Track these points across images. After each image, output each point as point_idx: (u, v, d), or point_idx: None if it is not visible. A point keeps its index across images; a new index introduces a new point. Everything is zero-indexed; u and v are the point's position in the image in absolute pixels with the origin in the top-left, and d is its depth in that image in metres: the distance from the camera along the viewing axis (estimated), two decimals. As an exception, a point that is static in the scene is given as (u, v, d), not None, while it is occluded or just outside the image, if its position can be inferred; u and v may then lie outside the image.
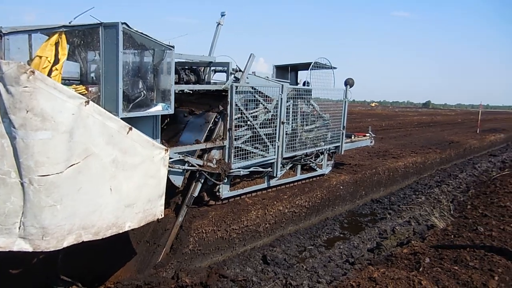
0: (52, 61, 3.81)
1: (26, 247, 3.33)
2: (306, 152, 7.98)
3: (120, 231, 4.02)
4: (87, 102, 3.61)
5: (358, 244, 7.19)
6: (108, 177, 3.79)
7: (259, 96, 6.63)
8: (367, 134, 10.81)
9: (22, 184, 3.27)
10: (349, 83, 9.09)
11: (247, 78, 6.48)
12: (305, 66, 8.49)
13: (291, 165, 7.87)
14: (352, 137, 10.28)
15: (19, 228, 3.30)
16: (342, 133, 8.96)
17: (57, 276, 4.63)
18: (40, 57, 3.75)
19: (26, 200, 3.28)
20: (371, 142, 10.84)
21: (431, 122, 37.21)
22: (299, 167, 8.17)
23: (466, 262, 4.77)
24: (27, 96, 3.21)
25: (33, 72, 3.24)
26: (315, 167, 8.67)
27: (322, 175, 9.03)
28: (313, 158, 8.42)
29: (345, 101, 8.99)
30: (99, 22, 4.15)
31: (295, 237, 7.52)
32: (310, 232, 7.85)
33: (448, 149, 16.42)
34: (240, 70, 6.48)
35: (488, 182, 10.99)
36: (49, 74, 3.73)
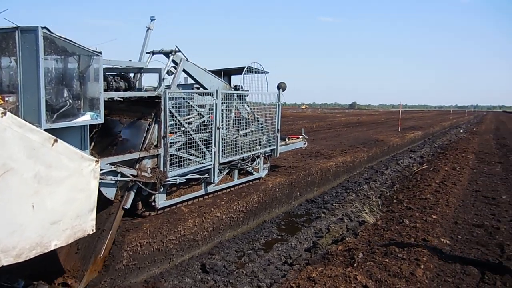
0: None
1: None
2: (243, 157, 8.03)
3: (46, 251, 3.71)
4: (4, 114, 3.30)
5: (295, 245, 7.37)
6: (30, 194, 3.48)
7: (193, 101, 6.56)
8: (300, 136, 11.15)
9: None
10: (281, 87, 9.32)
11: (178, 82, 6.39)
12: (238, 71, 8.55)
13: (228, 170, 7.87)
14: (287, 140, 10.55)
15: None
16: (277, 136, 9.16)
17: None
18: None
19: None
20: (305, 143, 11.21)
21: (358, 122, 39.53)
22: (236, 171, 8.20)
23: (395, 254, 5.11)
24: None
25: None
26: (252, 171, 8.76)
27: (259, 178, 9.15)
28: (250, 162, 8.49)
29: (279, 105, 9.20)
30: (15, 25, 3.84)
31: (234, 242, 7.51)
32: (249, 237, 7.89)
33: (374, 148, 17.51)
34: (179, 51, 6.33)
35: (410, 176, 11.93)
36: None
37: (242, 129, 8.06)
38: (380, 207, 8.17)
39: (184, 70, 6.81)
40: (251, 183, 8.84)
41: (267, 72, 8.81)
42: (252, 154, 8.40)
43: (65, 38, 4.18)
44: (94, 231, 4.30)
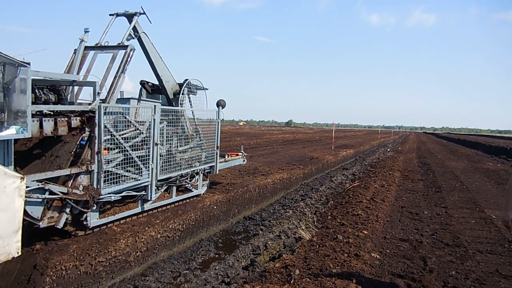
0: None
1: None
2: (181, 173, 7.90)
3: None
4: None
5: (233, 263, 7.33)
6: None
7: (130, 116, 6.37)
8: (239, 153, 11.24)
9: None
10: (221, 104, 9.39)
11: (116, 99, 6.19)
12: (179, 86, 8.47)
13: (166, 187, 7.69)
14: (226, 157, 10.57)
15: None
16: (216, 153, 9.16)
17: None
18: None
19: None
20: (244, 160, 11.31)
21: (294, 140, 40.78)
22: (174, 188, 8.03)
23: (330, 270, 5.29)
24: None
25: None
26: (191, 187, 8.64)
27: (198, 195, 9.03)
28: (189, 179, 8.38)
29: (218, 122, 9.23)
30: None
31: (169, 262, 7.29)
32: (185, 256, 7.71)
33: (309, 165, 18.13)
34: (144, 13, 6.17)
35: (343, 193, 12.48)
36: None
37: (181, 145, 7.96)
38: (315, 223, 8.42)
39: (141, 43, 6.62)
40: (188, 200, 8.69)
41: (207, 89, 8.84)
42: (191, 171, 8.30)
43: (-11, 46, 3.88)
44: (20, 254, 3.96)
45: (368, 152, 34.88)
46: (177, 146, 7.84)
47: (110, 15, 7.00)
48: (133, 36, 6.80)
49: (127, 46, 6.55)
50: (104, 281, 5.99)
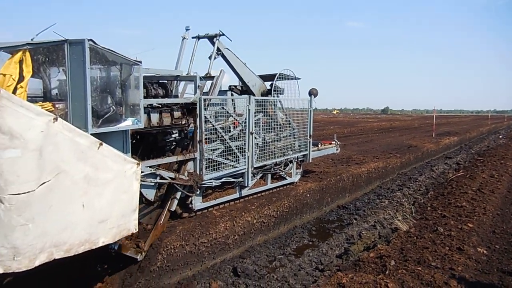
0: (16, 79, 3.75)
1: (-3, 268, 3.23)
2: (276, 161, 8.16)
3: (94, 247, 3.96)
4: (55, 119, 3.57)
5: (326, 251, 7.38)
6: (80, 194, 3.74)
7: (228, 108, 6.77)
8: (332, 142, 11.14)
9: (-9, 204, 3.18)
10: (313, 93, 9.39)
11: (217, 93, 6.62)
12: (271, 78, 8.70)
13: (261, 174, 8.02)
14: (319, 145, 10.57)
15: (-11, 249, 3.20)
16: (309, 142, 9.22)
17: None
18: (4, 75, 3.68)
19: (-4, 220, 3.19)
20: (337, 149, 11.18)
21: (390, 128, 38.75)
22: (269, 176, 8.33)
23: (429, 263, 5.05)
24: (-7, 115, 3.15)
25: (-2, 90, 3.18)
26: (285, 175, 8.87)
27: (292, 183, 9.22)
28: (283, 167, 8.61)
29: (310, 110, 9.26)
30: (64, 38, 4.11)
31: (265, 247, 7.60)
32: (280, 242, 7.96)
33: (407, 153, 17.17)
34: (223, 34, 6.60)
35: (445, 183, 11.63)
36: (14, 92, 3.66)
37: (275, 134, 8.19)
38: (413, 214, 8.04)
39: (225, 58, 7.02)
40: (281, 188, 8.92)
41: (299, 79, 8.91)
42: (285, 159, 8.51)
43: (108, 49, 4.42)
44: (137, 230, 4.53)
45: (476, 139, 31.63)
46: (271, 135, 8.09)
47: (193, 37, 7.42)
48: (216, 55, 7.13)
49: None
50: (207, 260, 6.51)
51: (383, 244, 6.21)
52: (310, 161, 9.65)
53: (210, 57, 6.86)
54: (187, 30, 7.37)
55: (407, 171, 15.99)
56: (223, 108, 6.68)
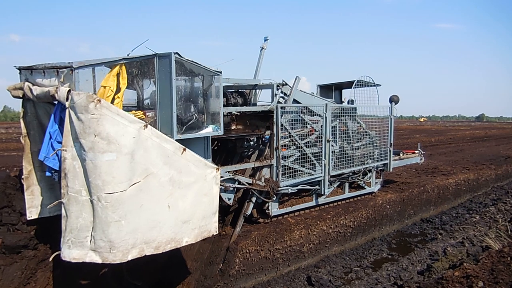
0: (114, 90, 4.17)
1: (96, 259, 3.65)
2: (354, 170, 7.99)
3: (178, 246, 4.27)
4: (146, 126, 3.93)
5: (407, 266, 7.01)
6: (166, 195, 4.07)
7: (304, 115, 6.80)
8: (416, 151, 10.57)
9: (91, 201, 3.61)
10: (394, 100, 9.03)
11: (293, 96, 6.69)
12: (349, 85, 8.57)
13: (338, 183, 7.91)
14: (401, 154, 10.11)
15: (90, 241, 3.64)
16: (390, 150, 8.87)
17: (127, 281, 4.94)
18: (105, 87, 4.11)
19: (95, 216, 3.62)
20: (421, 159, 10.57)
21: (485, 137, 35.37)
22: (347, 185, 8.18)
23: (525, 287, 4.55)
24: (94, 122, 3.57)
25: (99, 100, 3.60)
26: (364, 185, 8.63)
27: (371, 193, 8.94)
28: (361, 176, 8.39)
29: (391, 118, 8.92)
30: (154, 53, 4.50)
31: (341, 258, 7.45)
32: (356, 253, 7.75)
33: (504, 165, 15.57)
34: (286, 84, 6.69)
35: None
36: (112, 102, 4.08)
37: (353, 143, 8.03)
38: (509, 232, 7.28)
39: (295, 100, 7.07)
40: (359, 198, 8.68)
41: (379, 85, 8.64)
42: (364, 168, 8.29)
43: (192, 61, 4.73)
44: (217, 232, 4.77)
45: None
46: (349, 142, 7.94)
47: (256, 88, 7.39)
48: (282, 101, 7.02)
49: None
50: (281, 267, 6.58)
51: (470, 263, 5.72)
52: (391, 170, 9.25)
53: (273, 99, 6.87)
54: (265, 40, 7.58)
55: (503, 185, 14.49)
56: (299, 115, 6.73)
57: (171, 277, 5.60)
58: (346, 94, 8.96)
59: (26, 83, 4.33)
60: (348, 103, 8.37)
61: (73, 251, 3.66)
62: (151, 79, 4.88)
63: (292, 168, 6.56)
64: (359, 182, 8.49)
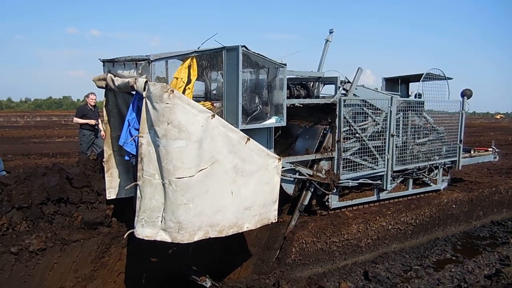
0: (185, 82, 4.44)
1: (166, 238, 3.97)
2: (418, 166, 7.73)
3: (240, 231, 4.49)
4: (213, 116, 4.15)
5: (473, 269, 6.67)
6: (230, 182, 4.29)
7: (368, 108, 6.69)
8: (489, 149, 9.90)
9: (163, 184, 3.92)
10: (466, 94, 8.52)
11: (356, 89, 6.59)
12: (417, 78, 8.23)
13: (402, 178, 7.69)
14: (472, 152, 9.53)
15: (161, 221, 3.96)
16: (459, 147, 8.42)
17: (188, 266, 5.29)
18: (177, 78, 4.40)
19: (166, 198, 3.92)
20: (495, 157, 9.87)
21: None
22: (410, 181, 7.93)
23: None
24: (168, 111, 3.84)
25: (172, 91, 3.86)
26: (429, 182, 8.30)
27: (437, 190, 8.57)
28: (426, 173, 8.08)
29: (462, 113, 8.44)
30: (222, 46, 4.70)
31: (400, 255, 7.27)
32: (417, 252, 7.51)
33: None
34: (348, 81, 6.63)
35: None
36: (183, 93, 4.36)
37: (418, 138, 7.76)
38: None
39: (354, 95, 6.97)
40: (422, 195, 8.36)
41: (450, 79, 8.20)
42: (429, 164, 7.98)
43: (258, 54, 4.87)
44: (276, 220, 4.94)
45: None
46: (415, 138, 7.68)
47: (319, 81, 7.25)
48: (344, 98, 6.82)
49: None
50: (338, 260, 6.59)
51: (547, 271, 5.35)
52: (460, 168, 8.76)
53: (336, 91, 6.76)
54: (330, 32, 7.51)
55: None
56: (362, 108, 6.64)
57: (230, 259, 5.86)
58: (414, 87, 8.62)
59: (109, 75, 4.73)
60: (415, 97, 8.07)
61: (146, 229, 4.01)
62: (218, 71, 5.10)
63: (354, 161, 6.51)
64: (424, 179, 8.18)
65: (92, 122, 8.66)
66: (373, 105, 6.78)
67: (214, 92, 5.40)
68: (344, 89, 6.56)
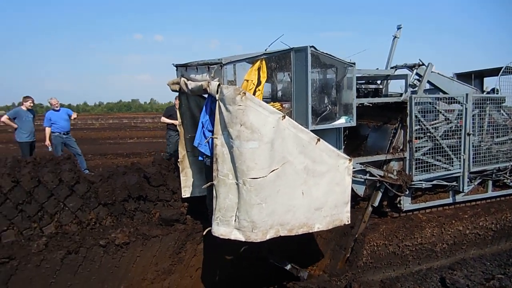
0: (255, 84, 4.53)
1: (240, 237, 4.09)
2: (499, 167, 7.20)
3: (310, 231, 4.50)
4: (284, 117, 4.19)
5: None
6: (300, 182, 4.30)
7: (443, 102, 6.38)
8: None
9: (237, 184, 4.04)
10: (552, 88, 7.76)
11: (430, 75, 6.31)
12: (493, 72, 7.71)
13: (480, 180, 7.21)
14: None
15: (235, 220, 4.08)
16: (548, 146, 7.70)
17: (271, 252, 5.35)
18: (247, 80, 4.50)
19: (240, 198, 4.03)
20: None
21: None
22: (490, 183, 7.40)
23: None
24: (240, 113, 3.95)
25: (244, 93, 3.96)
26: (511, 184, 7.69)
27: (522, 193, 7.91)
28: (508, 174, 7.49)
29: (551, 110, 7.71)
30: (290, 47, 4.73)
31: (480, 262, 6.82)
32: (499, 259, 6.98)
33: None
34: (423, 64, 6.37)
35: None
36: (253, 94, 4.44)
37: (498, 136, 7.22)
38: None
39: (428, 81, 6.68)
40: (503, 198, 7.75)
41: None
42: (511, 165, 7.40)
43: (326, 53, 4.83)
44: (349, 222, 4.87)
45: None
46: (493, 137, 7.16)
47: (391, 67, 7.02)
48: (417, 83, 6.56)
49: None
50: (411, 265, 6.35)
51: None
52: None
53: (411, 86, 6.49)
54: (398, 28, 7.23)
55: None
56: (433, 106, 6.33)
57: (304, 258, 5.87)
58: (489, 82, 8.05)
59: (182, 78, 4.98)
60: (492, 92, 7.52)
61: (221, 228, 4.15)
62: (286, 72, 5.13)
63: (426, 162, 6.22)
64: (505, 181, 7.59)
65: (177, 122, 8.84)
66: (446, 98, 6.44)
67: (279, 93, 5.45)
68: (418, 73, 6.30)
